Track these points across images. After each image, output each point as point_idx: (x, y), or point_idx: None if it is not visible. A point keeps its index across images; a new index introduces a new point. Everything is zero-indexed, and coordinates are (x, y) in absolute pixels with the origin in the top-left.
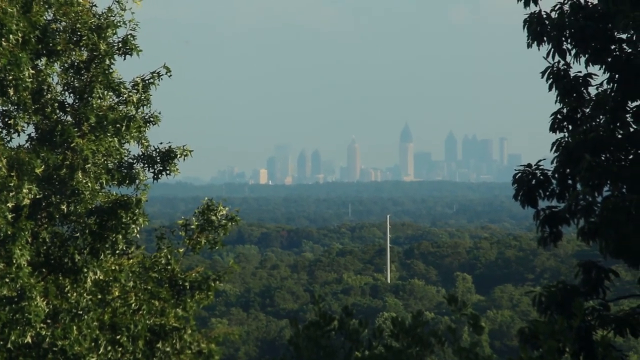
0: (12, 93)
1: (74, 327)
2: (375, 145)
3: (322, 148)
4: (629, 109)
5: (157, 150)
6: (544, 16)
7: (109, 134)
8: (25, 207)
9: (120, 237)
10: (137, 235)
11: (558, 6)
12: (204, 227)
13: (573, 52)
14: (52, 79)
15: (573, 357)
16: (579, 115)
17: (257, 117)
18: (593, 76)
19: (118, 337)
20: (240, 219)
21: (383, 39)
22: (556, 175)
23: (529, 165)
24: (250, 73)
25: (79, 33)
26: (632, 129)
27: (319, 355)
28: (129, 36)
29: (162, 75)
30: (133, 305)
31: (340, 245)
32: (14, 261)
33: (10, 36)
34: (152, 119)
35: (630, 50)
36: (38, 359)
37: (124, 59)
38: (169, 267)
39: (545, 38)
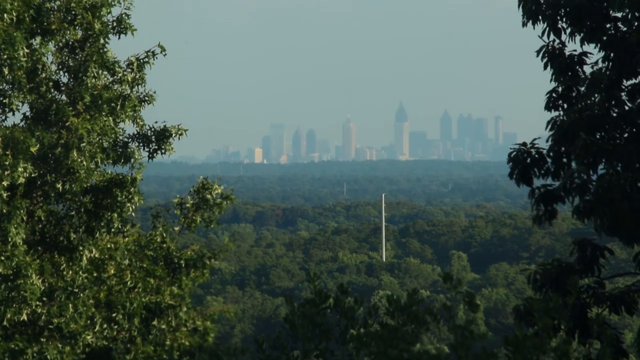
0: (6, 72)
1: (70, 305)
2: (370, 124)
3: (317, 127)
4: (624, 87)
5: (152, 129)
6: None
7: (103, 113)
8: (20, 186)
9: (116, 215)
10: (133, 214)
11: None
12: (199, 206)
13: (568, 30)
14: (47, 58)
15: (568, 334)
16: (574, 94)
17: (252, 96)
18: (588, 55)
19: (114, 314)
20: (235, 197)
21: (378, 18)
22: (551, 154)
23: (524, 144)
24: (245, 52)
25: (73, 12)
26: (627, 107)
27: (314, 332)
28: (123, 15)
29: (157, 54)
30: (129, 283)
31: (336, 224)
32: (10, 239)
33: (5, 15)
34: (147, 98)
35: (625, 29)
36: (34, 337)
37: (119, 38)
38: (165, 245)
39: (540, 17)
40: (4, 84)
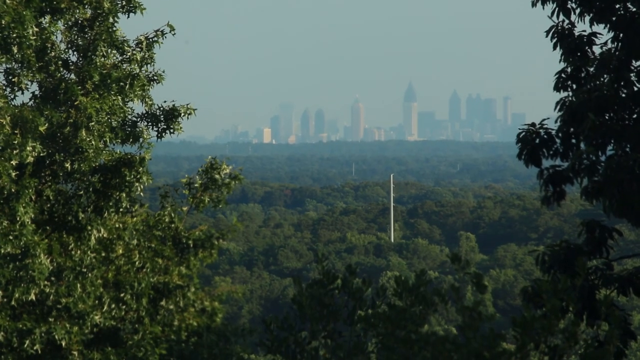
0: (15, 51)
1: (78, 285)
2: (379, 104)
3: (325, 107)
4: (633, 68)
5: (161, 108)
6: None
7: (112, 92)
8: (29, 165)
9: (124, 195)
10: (141, 194)
11: None
12: (208, 186)
13: (577, 11)
14: (56, 37)
15: (576, 316)
16: (583, 75)
17: (261, 76)
18: (597, 35)
19: (122, 294)
20: (244, 177)
21: None
22: (560, 135)
23: (533, 125)
24: (254, 32)
25: None
26: (636, 88)
27: (322, 313)
28: None
29: (166, 33)
30: (137, 263)
31: (344, 204)
32: (18, 219)
33: None
34: (155, 78)
35: (635, 10)
36: (42, 316)
37: (128, 17)
38: (173, 225)
39: None
40: (13, 63)
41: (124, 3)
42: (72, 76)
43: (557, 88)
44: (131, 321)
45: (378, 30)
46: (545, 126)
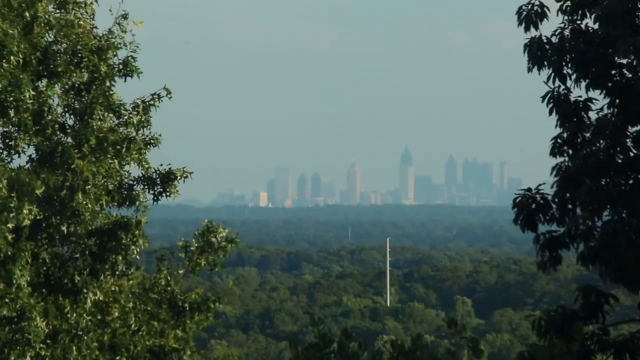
0: (12, 114)
1: (74, 348)
2: (375, 168)
3: (322, 171)
4: (629, 133)
5: (157, 171)
6: (545, 41)
7: (109, 156)
8: (25, 228)
9: (120, 258)
10: (137, 257)
11: (559, 31)
12: (204, 249)
13: (573, 76)
14: (53, 101)
15: None
16: (579, 140)
17: (257, 139)
18: (593, 101)
19: (118, 357)
20: (240, 241)
21: (382, 60)
22: (556, 200)
23: (529, 190)
24: (249, 95)
25: (79, 55)
26: (632, 154)
27: None
28: (129, 58)
29: (163, 96)
30: (133, 326)
31: (340, 268)
32: (14, 281)
33: (11, 57)
34: (152, 141)
35: (630, 76)
36: None
37: (125, 80)
38: (169, 288)
39: (545, 62)
40: (10, 126)
41: (121, 67)
42: (69, 139)
43: (553, 153)
44: None
45: (374, 94)
46: (542, 191)
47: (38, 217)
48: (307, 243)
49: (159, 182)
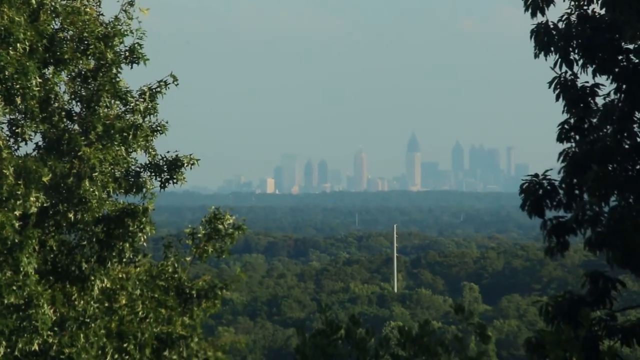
0: (19, 102)
1: (81, 335)
2: (382, 155)
3: (329, 157)
4: (635, 119)
5: (164, 159)
6: (551, 27)
7: (116, 143)
8: (32, 215)
9: (127, 245)
10: (144, 244)
11: (565, 17)
12: (211, 236)
13: (580, 62)
14: (60, 88)
15: None
16: (586, 126)
17: (264, 126)
18: (600, 86)
19: (125, 345)
20: (247, 227)
21: (390, 48)
22: (563, 186)
23: (536, 175)
24: (256, 83)
25: (86, 42)
26: (639, 139)
27: None
28: (136, 45)
29: (169, 84)
30: (140, 313)
31: (347, 255)
32: (22, 269)
33: (18, 45)
34: (159, 128)
35: (637, 61)
36: None
37: (131, 67)
38: (176, 275)
39: (552, 48)
40: (17, 114)
41: (128, 54)
42: (76, 127)
43: (560, 139)
44: None
45: (381, 81)
46: (549, 177)
47: (45, 205)
48: (314, 230)
49: (165, 169)
